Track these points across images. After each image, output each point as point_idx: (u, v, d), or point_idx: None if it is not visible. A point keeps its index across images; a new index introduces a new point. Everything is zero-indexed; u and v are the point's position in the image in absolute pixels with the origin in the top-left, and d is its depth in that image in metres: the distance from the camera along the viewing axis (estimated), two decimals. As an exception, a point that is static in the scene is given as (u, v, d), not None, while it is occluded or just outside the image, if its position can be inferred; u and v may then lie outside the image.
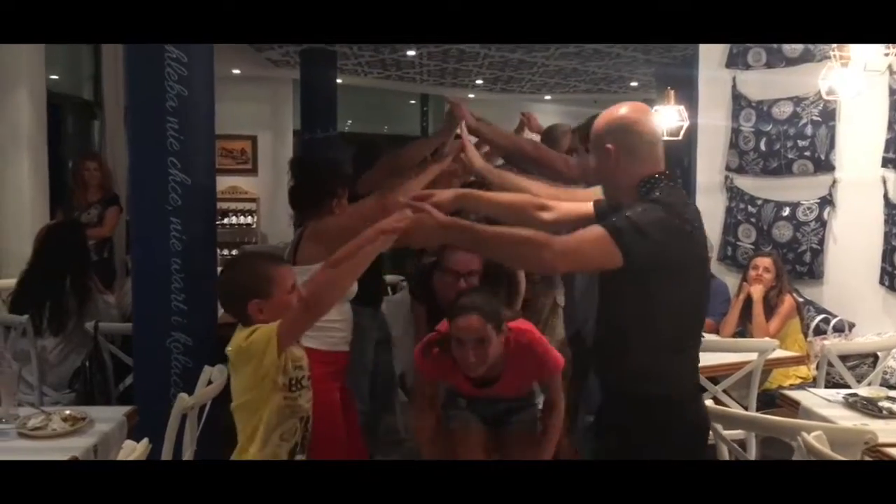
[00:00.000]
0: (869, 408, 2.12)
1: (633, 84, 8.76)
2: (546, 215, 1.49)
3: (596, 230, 1.44)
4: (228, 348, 1.65)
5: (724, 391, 2.62)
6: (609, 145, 1.53)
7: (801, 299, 3.47)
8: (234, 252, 6.52)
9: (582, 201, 1.60)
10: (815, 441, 1.56)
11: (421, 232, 1.48)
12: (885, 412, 2.09)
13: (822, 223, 3.60)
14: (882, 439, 1.85)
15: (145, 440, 1.58)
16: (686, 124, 3.84)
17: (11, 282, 3.37)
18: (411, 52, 7.16)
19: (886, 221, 3.32)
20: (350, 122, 9.22)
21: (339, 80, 7.30)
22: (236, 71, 7.62)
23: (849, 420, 2.06)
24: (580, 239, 1.44)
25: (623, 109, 1.58)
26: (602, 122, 1.59)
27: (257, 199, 8.28)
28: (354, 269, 1.60)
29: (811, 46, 3.53)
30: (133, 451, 1.53)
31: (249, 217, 8.22)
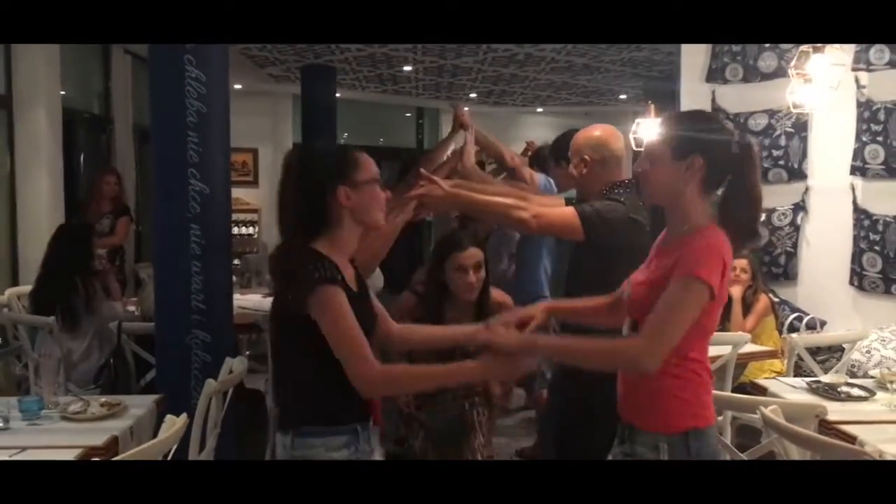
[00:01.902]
0: (829, 392, 2.35)
1: (623, 97, 9.03)
2: (523, 213, 1.96)
3: (568, 209, 1.99)
4: None
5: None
6: (586, 157, 2.06)
7: (776, 299, 3.69)
8: (237, 262, 6.73)
9: (544, 203, 2.13)
10: (772, 413, 1.78)
11: (431, 199, 1.90)
12: (842, 395, 2.32)
13: (796, 228, 3.83)
14: (840, 418, 2.09)
15: (184, 415, 1.79)
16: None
17: (29, 288, 3.58)
18: (408, 68, 7.42)
19: (855, 226, 3.55)
20: (346, 134, 9.46)
21: (337, 95, 7.55)
22: (238, 86, 7.85)
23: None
24: (553, 211, 2.01)
25: (598, 131, 2.10)
26: (582, 140, 2.10)
27: (259, 209, 8.50)
28: (388, 236, 1.93)
29: (784, 63, 3.77)
30: (173, 424, 1.75)
31: (251, 227, 8.44)
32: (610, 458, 1.60)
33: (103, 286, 3.43)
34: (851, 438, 1.95)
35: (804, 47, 3.12)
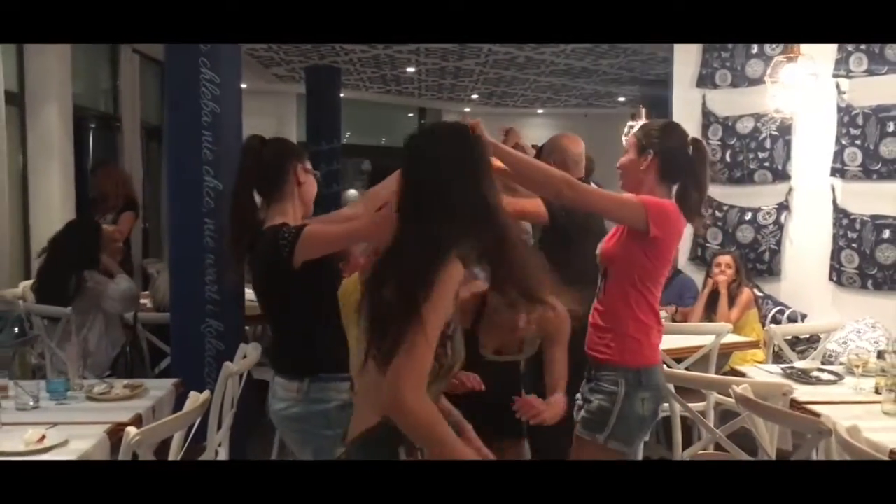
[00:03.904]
0: (802, 377, 2.53)
1: (621, 99, 9.20)
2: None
3: (537, 199, 2.40)
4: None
5: (687, 369, 3.01)
6: (552, 160, 2.54)
7: (760, 294, 3.87)
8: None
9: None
10: (742, 391, 1.96)
11: None
12: (813, 379, 2.50)
13: (780, 226, 4.00)
14: (810, 399, 2.27)
15: (206, 392, 1.96)
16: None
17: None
18: (411, 69, 7.58)
19: (835, 224, 3.73)
20: (349, 133, 9.62)
21: (341, 95, 7.70)
22: (244, 85, 7.98)
23: (786, 387, 2.45)
24: (525, 200, 2.38)
25: (562, 139, 2.70)
26: (550, 146, 2.66)
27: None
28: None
29: (770, 69, 3.95)
30: (197, 400, 1.91)
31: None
32: (578, 396, 1.96)
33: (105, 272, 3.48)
34: (818, 416, 2.12)
35: (779, 57, 3.30)
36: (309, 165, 1.95)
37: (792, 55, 3.23)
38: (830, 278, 3.74)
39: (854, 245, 3.62)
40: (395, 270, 1.23)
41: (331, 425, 1.77)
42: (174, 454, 1.91)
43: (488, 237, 1.22)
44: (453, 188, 1.22)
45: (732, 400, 2.01)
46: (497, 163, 1.89)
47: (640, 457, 2.31)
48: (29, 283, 4.05)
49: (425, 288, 1.17)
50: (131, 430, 1.68)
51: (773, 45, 3.78)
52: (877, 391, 2.30)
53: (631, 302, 1.86)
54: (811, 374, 2.53)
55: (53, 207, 4.63)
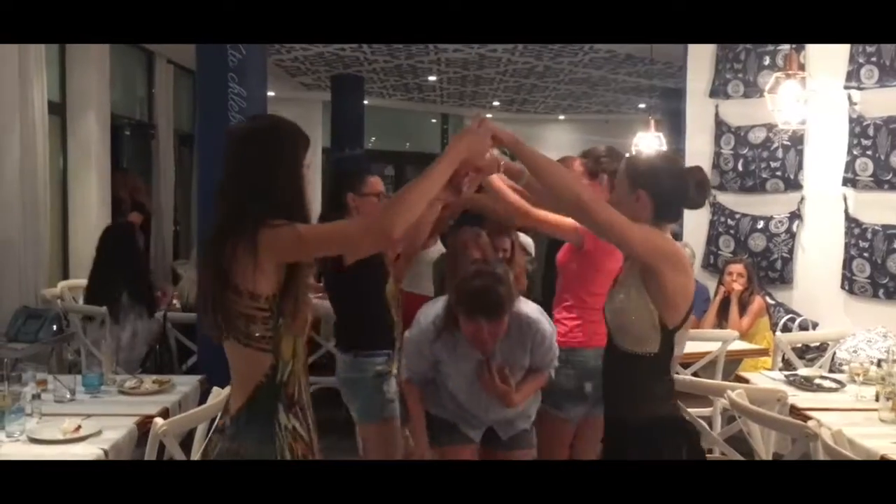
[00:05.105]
0: (804, 384, 2.58)
1: (641, 106, 9.22)
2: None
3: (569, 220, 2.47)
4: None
5: (695, 374, 3.07)
6: None
7: (772, 302, 3.91)
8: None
9: None
10: (737, 396, 2.03)
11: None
12: (815, 387, 2.55)
13: (792, 235, 4.03)
14: (811, 405, 2.33)
15: (228, 387, 2.09)
16: (664, 148, 4.31)
17: (82, 282, 3.91)
18: (432, 78, 7.72)
19: (846, 233, 3.75)
20: (374, 138, 9.80)
21: (365, 102, 7.87)
22: (271, 93, 8.20)
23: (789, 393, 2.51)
24: (561, 218, 2.39)
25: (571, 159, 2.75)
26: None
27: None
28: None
29: (769, 84, 3.97)
30: (219, 395, 2.05)
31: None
32: None
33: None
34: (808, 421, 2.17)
35: (777, 74, 3.36)
36: (368, 189, 2.39)
37: (791, 72, 3.29)
38: (842, 287, 3.76)
39: (866, 254, 3.64)
40: (209, 246, 1.40)
41: (368, 387, 2.35)
42: (197, 445, 2.05)
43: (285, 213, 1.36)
44: (252, 172, 1.38)
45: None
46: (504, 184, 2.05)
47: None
48: (67, 283, 4.27)
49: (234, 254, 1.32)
50: (158, 421, 1.83)
51: (784, 59, 3.82)
52: (877, 399, 2.35)
53: (560, 299, 2.31)
54: (813, 382, 2.58)
55: (91, 210, 4.86)
